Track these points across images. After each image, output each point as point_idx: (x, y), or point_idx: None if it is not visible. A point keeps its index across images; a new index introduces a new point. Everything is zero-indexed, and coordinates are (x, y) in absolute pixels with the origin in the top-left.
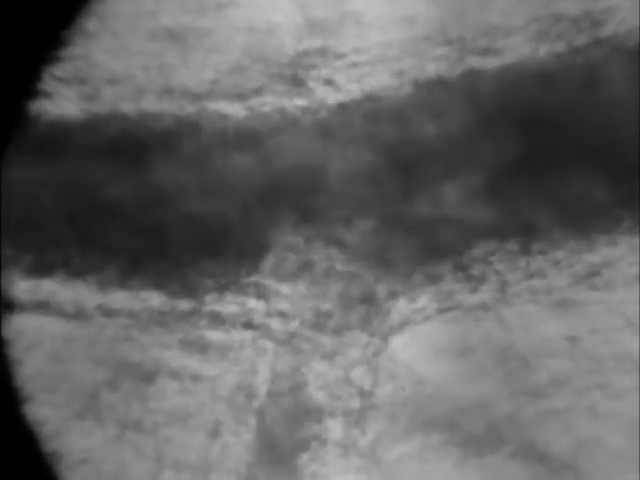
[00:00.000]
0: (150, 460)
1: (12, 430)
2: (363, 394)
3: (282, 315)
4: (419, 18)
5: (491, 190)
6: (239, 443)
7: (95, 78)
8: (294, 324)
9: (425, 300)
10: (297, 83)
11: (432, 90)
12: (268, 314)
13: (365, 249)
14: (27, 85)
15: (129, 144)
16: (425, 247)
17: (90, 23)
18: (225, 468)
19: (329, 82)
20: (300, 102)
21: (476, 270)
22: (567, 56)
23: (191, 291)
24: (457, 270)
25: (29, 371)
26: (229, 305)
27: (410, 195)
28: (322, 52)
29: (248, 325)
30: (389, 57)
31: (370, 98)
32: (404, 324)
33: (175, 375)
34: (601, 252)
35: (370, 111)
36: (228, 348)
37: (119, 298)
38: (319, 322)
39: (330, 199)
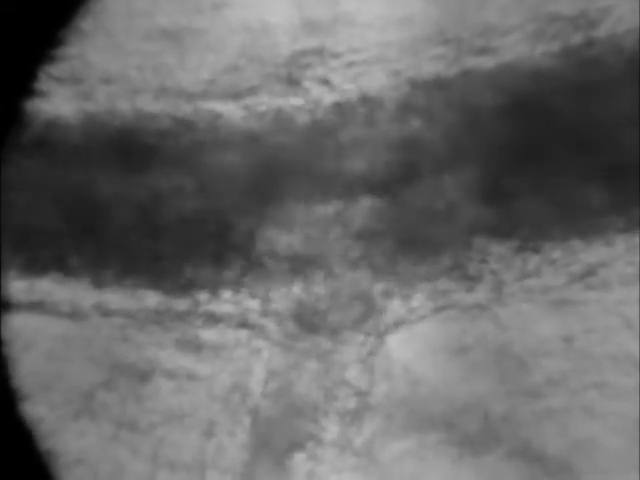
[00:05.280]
0: (145, 459)
1: (8, 429)
2: (359, 394)
3: (277, 315)
4: (416, 18)
5: (487, 189)
6: (234, 442)
7: (90, 77)
8: (289, 324)
9: (420, 299)
10: (293, 83)
11: (429, 90)
12: (263, 314)
13: (360, 248)
14: (23, 84)
15: (125, 143)
16: (421, 246)
17: (85, 22)
18: (220, 467)
19: (325, 82)
20: (296, 102)
21: (472, 269)
22: (563, 55)
23: (186, 291)
24: (453, 269)
25: (25, 371)
26: (224, 305)
27: (406, 194)
28: (318, 52)
29: (243, 325)
30: (385, 57)
31: (366, 98)
32: (399, 323)
33: (170, 375)
34: (597, 252)
35: (366, 111)
36: (223, 348)
37: (115, 298)
38: (314, 322)
39: (325, 199)
